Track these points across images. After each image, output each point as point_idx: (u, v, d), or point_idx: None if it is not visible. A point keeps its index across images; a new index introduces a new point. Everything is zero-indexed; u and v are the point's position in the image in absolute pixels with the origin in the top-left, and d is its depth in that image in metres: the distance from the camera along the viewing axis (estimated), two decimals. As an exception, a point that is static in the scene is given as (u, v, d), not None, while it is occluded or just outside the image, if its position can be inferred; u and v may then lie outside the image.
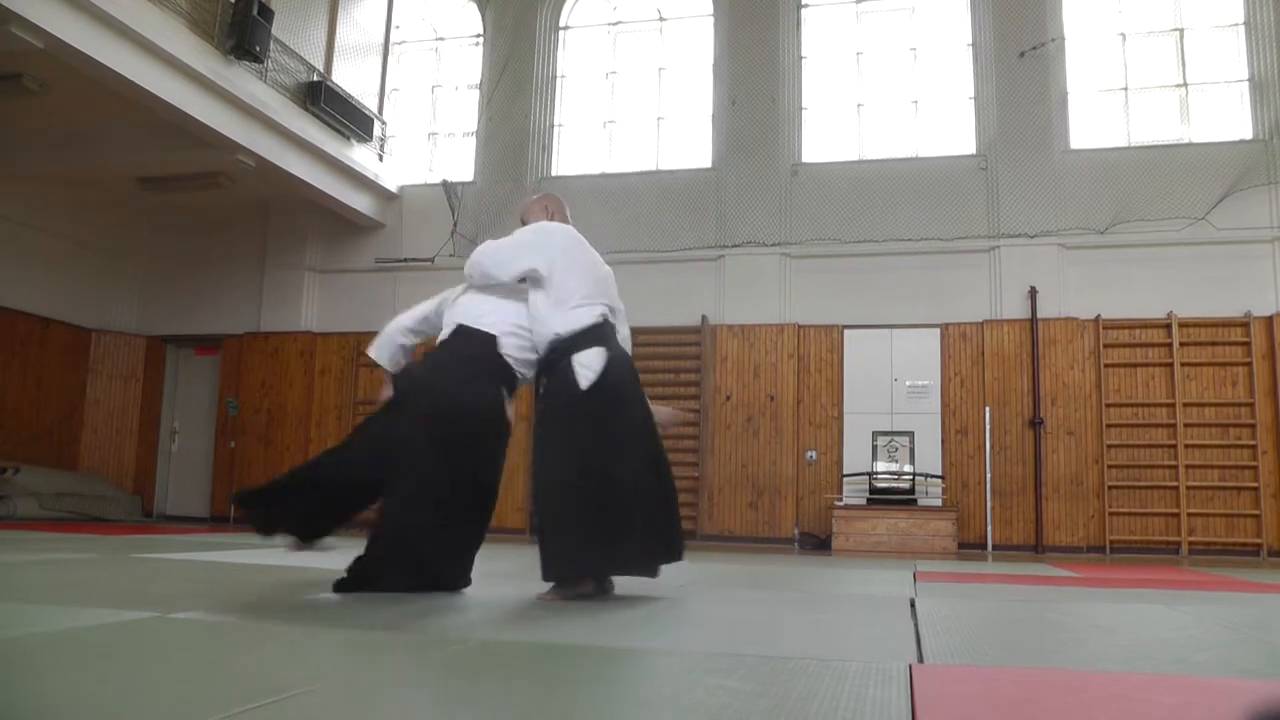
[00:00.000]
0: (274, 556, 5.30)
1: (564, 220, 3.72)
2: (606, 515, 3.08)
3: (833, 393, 9.84)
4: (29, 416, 10.69)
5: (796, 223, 10.12)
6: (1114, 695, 1.80)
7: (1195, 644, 2.59)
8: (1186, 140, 9.70)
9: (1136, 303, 9.32)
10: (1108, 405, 9.27)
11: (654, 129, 11.09)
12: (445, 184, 11.07)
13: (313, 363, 11.28)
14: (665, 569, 3.56)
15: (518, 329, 3.43)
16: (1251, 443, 8.93)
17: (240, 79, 9.01)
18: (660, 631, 2.66)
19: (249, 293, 11.60)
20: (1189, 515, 8.97)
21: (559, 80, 11.33)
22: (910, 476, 9.20)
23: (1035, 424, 9.29)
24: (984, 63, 10.06)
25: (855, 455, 9.55)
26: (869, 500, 9.17)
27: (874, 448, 9.38)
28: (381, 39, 12.01)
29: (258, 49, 9.02)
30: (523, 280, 3.43)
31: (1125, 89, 9.99)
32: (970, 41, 10.23)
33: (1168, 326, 9.23)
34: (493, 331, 3.41)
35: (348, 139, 10.67)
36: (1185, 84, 9.86)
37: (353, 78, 11.26)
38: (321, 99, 10.10)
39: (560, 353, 3.30)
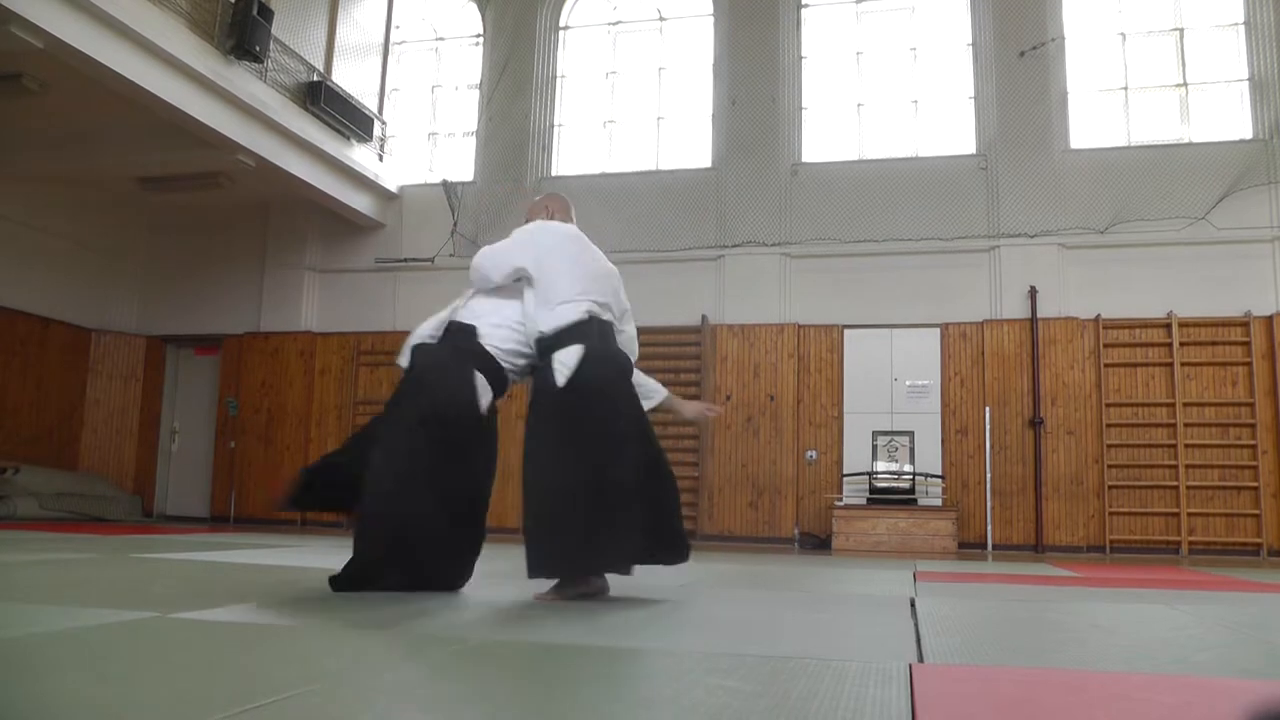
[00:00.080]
0: (274, 556, 5.30)
1: (567, 219, 3.71)
2: (575, 513, 3.08)
3: (833, 392, 9.84)
4: (29, 416, 10.70)
5: (796, 223, 10.12)
6: (1114, 695, 1.80)
7: (1195, 644, 2.59)
8: (1186, 140, 9.70)
9: (1136, 302, 9.32)
10: (1108, 405, 9.28)
11: (654, 129, 11.09)
12: (445, 184, 11.07)
13: (313, 363, 11.29)
14: (665, 569, 3.56)
15: (506, 323, 3.43)
16: (1251, 442, 8.93)
17: (240, 79, 9.01)
18: (660, 631, 2.66)
19: (249, 293, 11.60)
20: (1189, 515, 8.97)
21: (559, 80, 11.33)
22: (910, 476, 9.20)
23: (1035, 424, 9.29)
24: (984, 62, 10.06)
25: (855, 455, 9.55)
26: (869, 500, 9.17)
27: (874, 447, 9.38)
28: (381, 39, 12.01)
29: (258, 49, 9.02)
30: (519, 280, 3.44)
31: (1125, 89, 9.99)
32: (970, 41, 10.23)
33: (1168, 326, 9.23)
34: (473, 323, 3.43)
35: (348, 139, 10.67)
36: (1185, 84, 9.86)
37: (353, 78, 11.26)
38: (321, 99, 10.10)
39: (544, 351, 3.32)
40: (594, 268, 3.51)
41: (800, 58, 10.63)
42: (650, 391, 3.60)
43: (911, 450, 9.29)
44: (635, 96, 11.21)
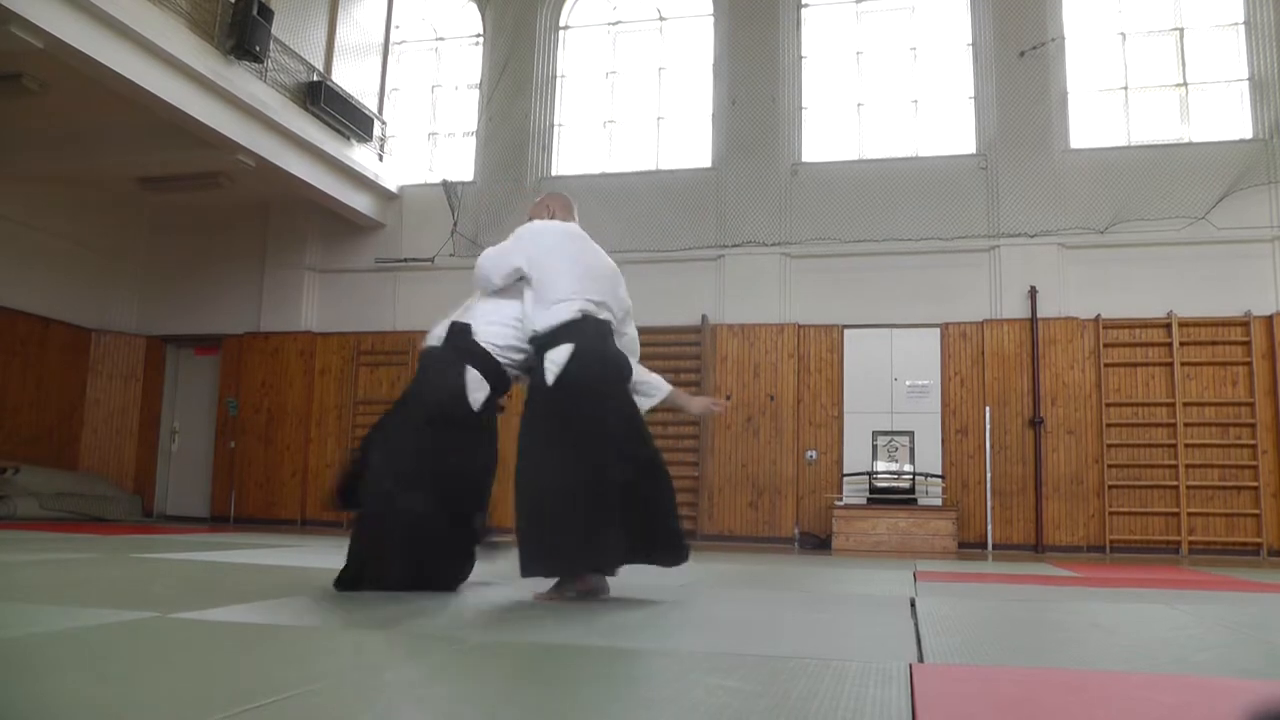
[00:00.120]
0: (274, 556, 5.30)
1: (568, 217, 3.70)
2: (563, 512, 3.08)
3: (833, 392, 9.84)
4: (29, 416, 10.70)
5: (796, 222, 10.12)
6: (1114, 695, 1.80)
7: (1195, 644, 2.59)
8: (1186, 140, 9.70)
9: (1136, 302, 9.32)
10: (1108, 405, 9.27)
11: (654, 129, 11.09)
12: (445, 184, 11.07)
13: (313, 363, 11.29)
14: (665, 570, 3.55)
15: (503, 320, 3.46)
16: (1251, 442, 8.93)
17: (240, 79, 9.01)
18: (660, 631, 2.66)
19: (249, 293, 11.60)
20: (1189, 515, 8.97)
21: (559, 80, 11.33)
22: (910, 476, 9.20)
23: (1035, 423, 9.29)
24: (984, 62, 10.05)
25: (855, 455, 9.55)
26: (869, 500, 9.17)
27: (874, 447, 9.38)
28: (381, 39, 12.00)
29: (258, 49, 9.02)
30: (520, 280, 3.45)
31: (1125, 89, 9.99)
32: (970, 41, 10.23)
33: (1168, 326, 9.23)
34: (469, 322, 3.48)
35: (348, 139, 10.67)
36: (1185, 84, 9.86)
37: (353, 78, 11.26)
38: (321, 99, 10.10)
39: (539, 350, 3.32)
40: (592, 266, 3.50)
41: (800, 58, 10.63)
42: (653, 388, 3.59)
43: (911, 450, 9.29)
44: (635, 96, 11.21)
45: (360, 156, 10.87)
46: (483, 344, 3.43)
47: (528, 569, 3.11)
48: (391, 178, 11.36)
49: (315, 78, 10.32)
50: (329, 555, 5.42)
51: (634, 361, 3.60)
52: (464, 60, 11.84)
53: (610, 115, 11.22)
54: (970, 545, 9.20)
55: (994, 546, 9.17)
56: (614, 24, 11.38)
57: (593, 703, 1.63)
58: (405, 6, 12.13)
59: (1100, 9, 10.17)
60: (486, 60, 11.46)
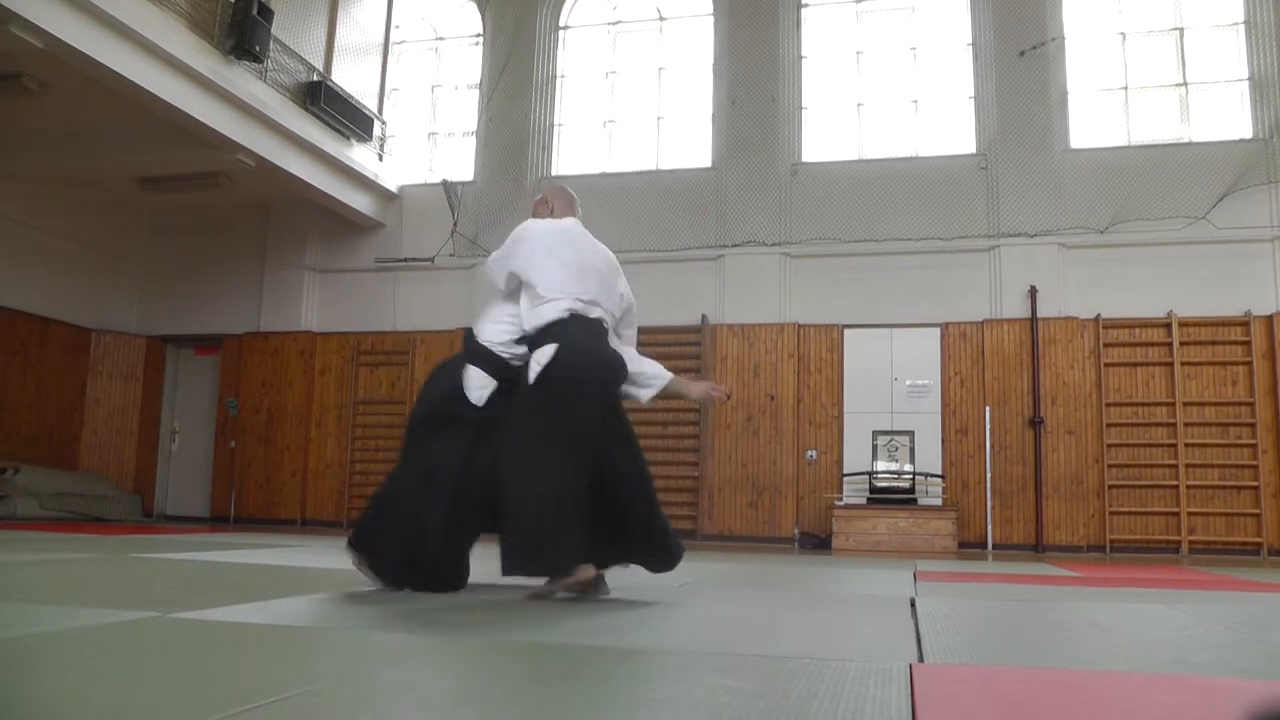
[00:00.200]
0: (274, 556, 5.30)
1: (568, 211, 3.66)
2: (543, 511, 3.08)
3: (833, 392, 9.84)
4: (29, 416, 10.70)
5: (796, 222, 10.12)
6: (1114, 695, 1.80)
7: (1195, 644, 2.59)
8: (1186, 140, 9.70)
9: (1136, 302, 9.32)
10: (1108, 405, 9.27)
11: (654, 129, 11.09)
12: (445, 184, 11.07)
13: (313, 362, 11.29)
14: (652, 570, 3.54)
15: (502, 317, 3.51)
16: (1251, 442, 8.93)
17: (240, 79, 9.01)
18: (660, 631, 2.66)
19: (249, 293, 11.61)
20: (1189, 514, 8.97)
21: (559, 80, 11.33)
22: (910, 476, 9.20)
23: (1035, 423, 9.29)
24: (984, 62, 10.05)
25: (855, 455, 9.55)
26: (869, 500, 9.17)
27: (874, 447, 9.38)
28: (381, 39, 12.00)
29: (258, 49, 9.02)
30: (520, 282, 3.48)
31: (1125, 88, 9.99)
32: (970, 41, 10.23)
33: (1168, 326, 9.23)
34: (473, 324, 3.60)
35: (348, 139, 10.67)
36: (1185, 83, 9.86)
37: (352, 78, 11.26)
38: (321, 99, 10.10)
39: (530, 350, 3.33)
40: (586, 263, 3.45)
41: (800, 57, 10.63)
42: (651, 378, 3.57)
43: (911, 450, 9.29)
44: (635, 96, 11.21)
45: (360, 156, 10.87)
46: (484, 343, 3.48)
47: (505, 568, 3.13)
48: (391, 178, 11.36)
49: (315, 78, 10.32)
50: (329, 555, 5.42)
51: (632, 351, 3.59)
52: (464, 60, 11.84)
53: (610, 115, 11.22)
54: (970, 545, 9.20)
55: (994, 546, 9.17)
56: (614, 24, 11.38)
57: (593, 703, 1.63)
58: (405, 6, 12.13)
59: (1100, 9, 10.17)
60: (486, 60, 11.46)
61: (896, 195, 9.81)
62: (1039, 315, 9.42)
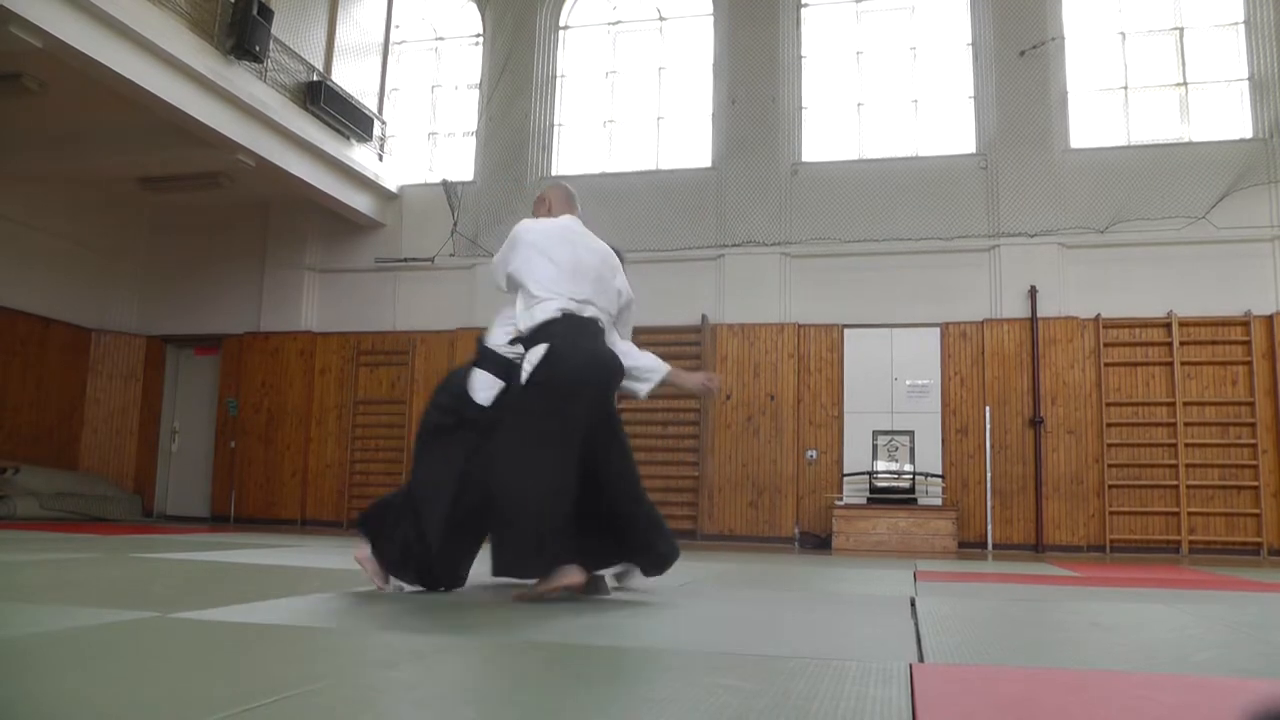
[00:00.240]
0: (274, 556, 5.30)
1: (565, 209, 3.63)
2: (527, 512, 3.08)
3: (833, 392, 9.84)
4: (29, 416, 10.70)
5: (796, 222, 10.12)
6: (1114, 695, 1.80)
7: (1195, 644, 2.59)
8: (1186, 139, 9.70)
9: (1136, 302, 9.32)
10: (1108, 404, 9.27)
11: (654, 129, 11.09)
12: (445, 184, 11.07)
13: (313, 362, 11.29)
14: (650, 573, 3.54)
15: (505, 319, 3.57)
16: (1252, 442, 8.93)
17: (240, 79, 9.01)
18: (660, 631, 2.66)
19: (249, 293, 11.61)
20: (1189, 514, 8.97)
21: (559, 80, 11.33)
22: (910, 476, 9.20)
23: (1035, 423, 9.29)
24: (984, 62, 10.05)
25: (855, 454, 9.55)
26: (869, 500, 9.17)
27: (874, 447, 9.38)
28: (381, 39, 12.01)
29: (257, 49, 9.02)
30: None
31: (1125, 88, 9.99)
32: (970, 41, 10.23)
33: (1168, 325, 9.23)
34: (485, 329, 3.68)
35: (348, 139, 10.67)
36: (1185, 83, 9.86)
37: (352, 78, 11.26)
38: (321, 99, 10.10)
39: (525, 350, 3.33)
40: (580, 261, 3.41)
41: (800, 57, 10.63)
42: (649, 371, 3.55)
43: (911, 450, 9.29)
44: (635, 96, 11.21)
45: (360, 156, 10.87)
46: (490, 346, 3.56)
47: (494, 568, 3.13)
48: (391, 178, 11.36)
49: (315, 78, 10.32)
50: (329, 555, 5.42)
51: (629, 345, 3.57)
52: (464, 60, 11.84)
53: (610, 115, 11.22)
54: (970, 545, 9.20)
55: (994, 546, 9.17)
56: (614, 24, 11.38)
57: (593, 703, 1.63)
58: (405, 6, 12.13)
59: (1100, 8, 10.17)
60: (486, 60, 11.46)
61: (896, 195, 9.81)
62: (1039, 315, 9.42)
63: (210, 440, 11.58)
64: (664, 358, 3.72)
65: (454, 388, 3.53)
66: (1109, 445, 9.21)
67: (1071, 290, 9.47)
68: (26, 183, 10.37)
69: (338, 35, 11.33)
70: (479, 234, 10.74)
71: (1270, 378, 8.95)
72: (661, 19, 11.28)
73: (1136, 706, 1.71)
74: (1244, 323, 9.11)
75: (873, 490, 9.22)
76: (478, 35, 11.73)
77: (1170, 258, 9.28)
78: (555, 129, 11.23)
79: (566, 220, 3.56)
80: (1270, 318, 9.02)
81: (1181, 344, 9.17)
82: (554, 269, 3.35)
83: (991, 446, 9.32)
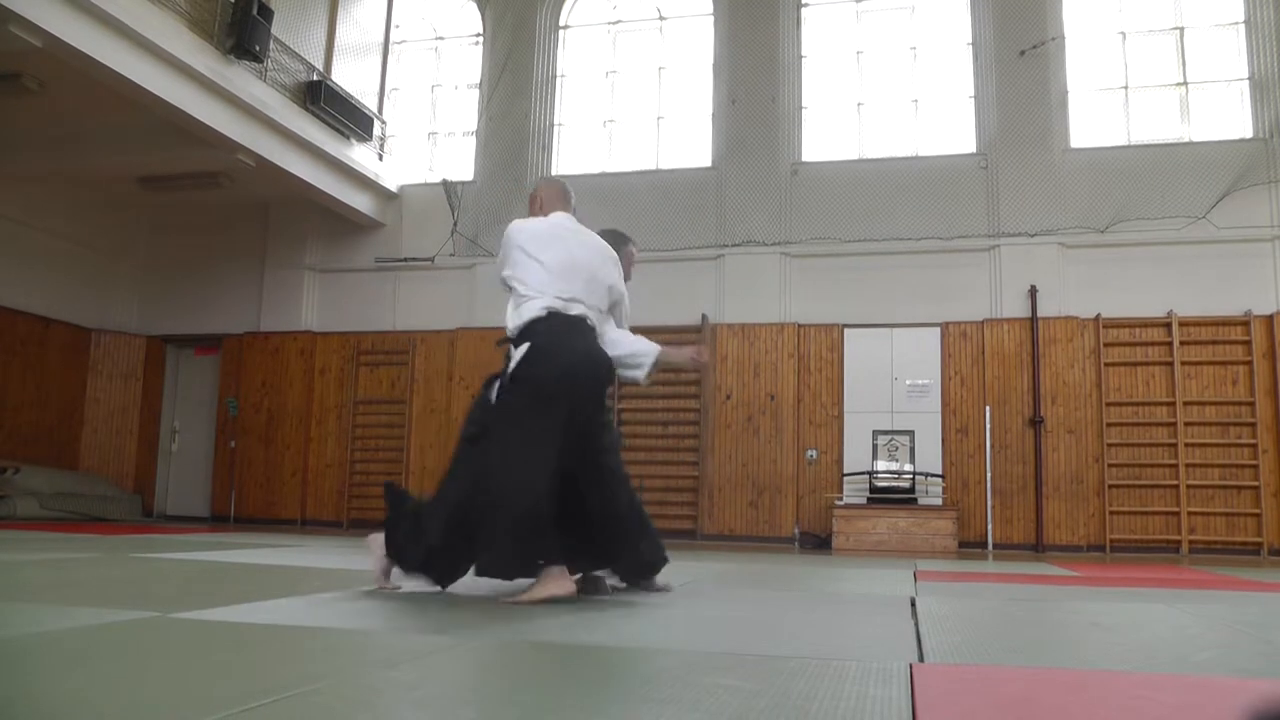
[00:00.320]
0: (274, 556, 5.30)
1: (557, 206, 3.59)
2: (504, 514, 3.06)
3: (833, 392, 9.84)
4: (29, 416, 10.70)
5: (796, 222, 10.12)
6: (1114, 695, 1.80)
7: (1195, 644, 2.59)
8: (1187, 139, 9.70)
9: (1136, 301, 9.32)
10: (1108, 404, 9.27)
11: (654, 128, 11.09)
12: (445, 183, 11.07)
13: (313, 362, 11.29)
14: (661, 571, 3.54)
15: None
16: (1252, 441, 8.93)
17: (240, 79, 9.01)
18: (660, 631, 2.66)
19: (249, 292, 11.61)
20: (1189, 514, 8.97)
21: (559, 80, 11.33)
22: (910, 475, 9.20)
23: (1035, 423, 9.29)
24: (984, 62, 10.05)
25: (855, 454, 9.55)
26: (869, 499, 9.17)
27: (874, 447, 9.38)
28: (381, 38, 12.01)
29: (257, 48, 9.02)
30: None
31: (1125, 88, 9.99)
32: (970, 40, 10.23)
33: (1168, 325, 9.23)
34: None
35: (348, 139, 10.67)
36: (1185, 83, 9.86)
37: (352, 77, 11.26)
38: (321, 98, 10.10)
39: (513, 349, 3.32)
40: (565, 260, 3.36)
41: (800, 57, 10.63)
42: (642, 356, 3.52)
43: (912, 450, 9.29)
44: (635, 96, 11.21)
45: (360, 156, 10.87)
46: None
47: (476, 568, 3.13)
48: (391, 177, 11.36)
49: (315, 77, 10.32)
50: (329, 555, 5.43)
51: (620, 333, 3.54)
52: (464, 60, 11.84)
53: (610, 115, 11.22)
54: (970, 545, 9.20)
55: (994, 546, 9.17)
56: (614, 24, 11.38)
57: (593, 703, 1.63)
58: (405, 6, 12.13)
59: (1100, 8, 10.17)
60: (486, 60, 11.46)
61: (896, 195, 9.81)
62: (1039, 315, 9.42)
63: (210, 440, 11.58)
64: (664, 358, 3.68)
65: (480, 396, 3.45)
66: (1109, 445, 9.22)
67: (1071, 290, 9.47)
68: (26, 183, 10.37)
69: (338, 35, 11.33)
70: (479, 234, 10.74)
71: (1270, 378, 8.95)
72: (661, 19, 11.28)
73: (1136, 706, 1.71)
74: (1244, 322, 9.11)
75: (873, 490, 9.22)
76: (478, 35, 11.73)
77: (1170, 257, 9.28)
78: (555, 129, 11.23)
79: (558, 217, 3.51)
80: (1270, 317, 9.02)
81: (1181, 344, 9.17)
82: (540, 268, 3.32)
83: (991, 446, 9.33)
